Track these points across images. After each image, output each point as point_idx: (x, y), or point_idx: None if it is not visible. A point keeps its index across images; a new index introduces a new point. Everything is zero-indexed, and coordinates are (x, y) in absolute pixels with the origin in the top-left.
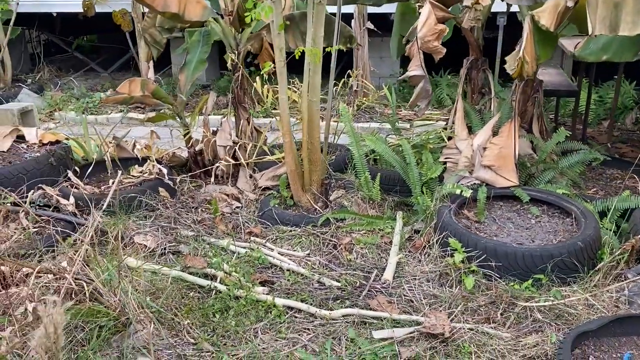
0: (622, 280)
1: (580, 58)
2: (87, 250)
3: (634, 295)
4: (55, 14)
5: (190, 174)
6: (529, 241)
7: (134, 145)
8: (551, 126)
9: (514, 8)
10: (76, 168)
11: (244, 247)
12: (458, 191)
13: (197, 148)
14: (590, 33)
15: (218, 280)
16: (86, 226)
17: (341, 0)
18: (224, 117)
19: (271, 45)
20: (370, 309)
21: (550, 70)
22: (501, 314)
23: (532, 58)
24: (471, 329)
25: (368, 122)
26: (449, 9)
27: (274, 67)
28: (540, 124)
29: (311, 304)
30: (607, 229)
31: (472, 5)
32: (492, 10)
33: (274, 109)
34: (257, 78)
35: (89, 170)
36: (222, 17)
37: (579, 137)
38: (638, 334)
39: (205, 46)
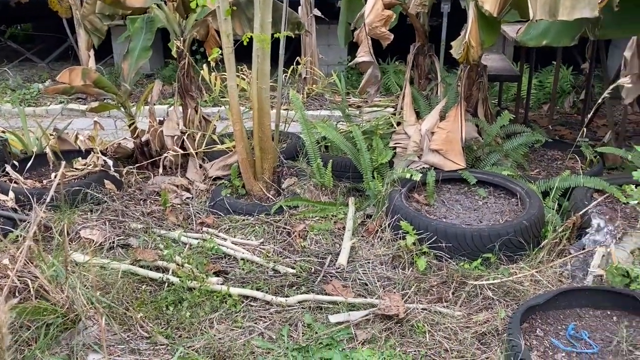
0: (565, 256)
1: (521, 43)
2: (30, 246)
3: (576, 270)
4: None
5: (137, 165)
6: (477, 222)
7: (77, 137)
8: (495, 110)
9: None
10: (15, 162)
11: (196, 238)
12: (408, 175)
13: (143, 138)
14: (531, 18)
15: (170, 272)
16: (28, 222)
17: None
18: (171, 106)
19: (218, 32)
20: (326, 294)
21: (493, 55)
22: (453, 293)
23: (477, 43)
24: (424, 309)
25: (318, 109)
26: None
27: (221, 54)
28: (485, 108)
29: (267, 292)
30: (550, 207)
31: None
32: None
33: (223, 97)
34: (204, 66)
35: (29, 164)
36: (166, 4)
37: (521, 121)
38: (580, 306)
39: (148, 33)
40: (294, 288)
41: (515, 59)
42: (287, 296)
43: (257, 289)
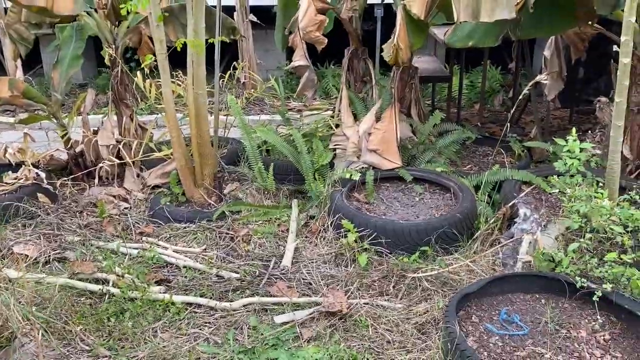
0: (497, 245)
1: (449, 45)
2: None
3: (507, 258)
4: None
5: (71, 176)
6: (414, 217)
7: (5, 150)
8: (428, 110)
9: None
10: None
11: (136, 248)
12: (348, 175)
13: (77, 149)
14: (455, 20)
15: (110, 283)
16: None
17: None
18: (106, 115)
19: (151, 39)
20: (271, 296)
21: (425, 58)
22: (393, 287)
23: (406, 45)
24: (367, 304)
25: (258, 114)
26: (328, 1)
27: (155, 61)
28: (418, 108)
29: (211, 298)
30: (481, 201)
31: None
32: (371, 2)
33: (159, 104)
34: (138, 73)
35: None
36: (96, 11)
37: (454, 120)
38: (512, 292)
39: (79, 41)
40: (238, 292)
41: (447, 61)
42: (231, 300)
43: (201, 296)
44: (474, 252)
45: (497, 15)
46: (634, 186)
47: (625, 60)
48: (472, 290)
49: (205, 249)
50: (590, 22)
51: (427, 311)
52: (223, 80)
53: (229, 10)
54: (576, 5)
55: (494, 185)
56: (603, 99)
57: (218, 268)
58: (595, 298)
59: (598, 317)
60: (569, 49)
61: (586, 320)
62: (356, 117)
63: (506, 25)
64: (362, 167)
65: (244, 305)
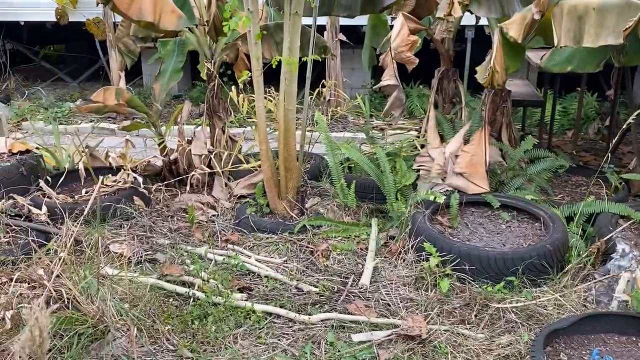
0: (589, 281)
1: (546, 69)
2: (63, 258)
3: (601, 295)
4: (22, 23)
5: (165, 182)
6: (501, 245)
7: (107, 155)
8: (519, 135)
9: (482, 21)
10: (48, 177)
11: (222, 255)
12: (431, 198)
13: (171, 157)
14: (555, 44)
15: (196, 287)
16: (60, 235)
17: (317, 11)
18: (198, 126)
19: (247, 55)
20: (349, 313)
21: (517, 81)
22: (475, 316)
23: (502, 68)
24: (447, 330)
25: (342, 131)
26: (421, 21)
27: (250, 77)
28: (509, 133)
29: (290, 309)
30: (573, 232)
31: (444, 17)
32: (463, 23)
33: (249, 118)
34: (233, 87)
35: (61, 180)
36: (197, 27)
37: (545, 146)
38: (605, 331)
39: (180, 56)
40: (316, 306)
41: (539, 85)
42: (310, 314)
43: (281, 306)
44: (563, 286)
45: (602, 40)
46: None
47: None
48: (562, 325)
49: (286, 261)
50: None
51: (511, 344)
52: (311, 97)
53: (319, 29)
54: None
55: (587, 217)
56: None
57: (298, 280)
58: None
59: None
60: None
61: None
62: (443, 139)
63: (609, 51)
64: (447, 190)
65: (322, 320)
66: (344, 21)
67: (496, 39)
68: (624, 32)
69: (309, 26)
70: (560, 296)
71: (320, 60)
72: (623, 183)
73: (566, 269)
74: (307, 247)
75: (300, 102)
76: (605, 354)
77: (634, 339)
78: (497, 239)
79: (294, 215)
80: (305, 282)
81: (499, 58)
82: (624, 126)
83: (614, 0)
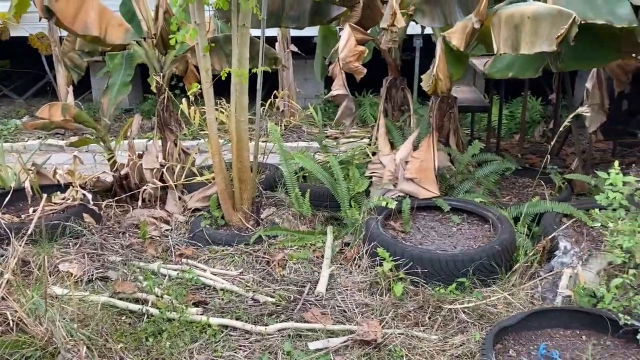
0: (536, 279)
1: (489, 75)
2: (8, 280)
3: (546, 291)
4: None
5: (115, 198)
6: (452, 248)
7: (55, 172)
8: (467, 140)
9: (429, 31)
10: None
11: (176, 270)
12: (384, 203)
13: (122, 172)
14: (495, 52)
15: (150, 303)
16: (6, 256)
17: (265, 23)
18: (150, 140)
19: (196, 67)
20: (305, 322)
21: (464, 88)
22: (429, 318)
23: (445, 76)
24: (402, 334)
25: (296, 141)
26: (368, 32)
27: (201, 89)
28: (456, 138)
29: (246, 321)
30: (521, 232)
31: (388, 27)
32: (410, 33)
33: (202, 130)
34: (184, 100)
35: (7, 199)
36: (145, 40)
37: (493, 150)
38: (551, 326)
39: (128, 69)
40: (273, 316)
41: (486, 91)
42: (266, 325)
43: (237, 318)
44: (512, 285)
45: (537, 47)
46: None
47: None
48: (510, 323)
49: (241, 272)
50: (634, 54)
51: (463, 344)
52: (263, 108)
53: (271, 40)
54: (619, 38)
55: (533, 217)
56: None
57: (254, 291)
58: (639, 336)
59: None
60: (612, 81)
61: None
62: (393, 146)
63: (546, 57)
64: (399, 196)
65: (278, 330)
66: (295, 32)
67: (439, 48)
68: (556, 39)
69: (259, 38)
70: (509, 295)
71: (271, 71)
72: (566, 183)
73: (514, 268)
74: (263, 257)
75: (253, 114)
76: (552, 348)
77: (578, 332)
78: (449, 242)
79: (250, 227)
80: (261, 292)
81: (442, 66)
82: (561, 128)
83: (547, 9)
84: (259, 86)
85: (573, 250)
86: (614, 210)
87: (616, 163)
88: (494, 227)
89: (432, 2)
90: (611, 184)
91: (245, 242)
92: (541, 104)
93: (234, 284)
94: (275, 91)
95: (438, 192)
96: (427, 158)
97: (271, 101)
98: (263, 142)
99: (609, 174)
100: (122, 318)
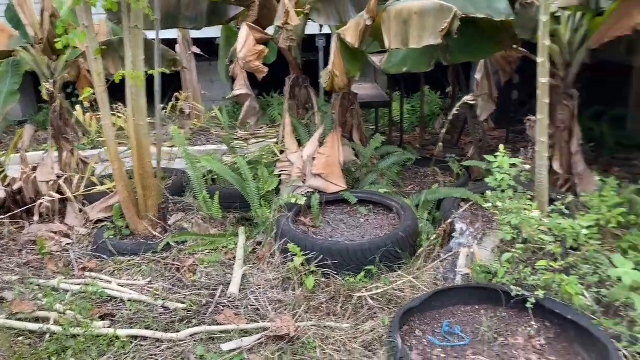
0: (438, 260)
1: (385, 71)
2: None
3: (447, 272)
4: None
5: (9, 214)
6: (360, 238)
7: None
8: (371, 134)
9: (326, 29)
10: None
11: (79, 284)
12: (293, 200)
13: (15, 187)
14: (387, 47)
15: (51, 321)
16: None
17: (159, 24)
18: (46, 151)
19: (89, 72)
20: (218, 324)
21: (366, 84)
22: (341, 307)
23: (342, 72)
24: (315, 326)
25: (205, 144)
26: (267, 31)
27: (94, 94)
28: (359, 133)
29: (157, 330)
30: (423, 218)
31: (282, 25)
32: (312, 33)
33: (101, 138)
34: (77, 107)
35: None
36: (33, 46)
37: (397, 143)
38: (453, 304)
39: (15, 77)
40: (184, 322)
41: (389, 87)
42: (177, 331)
43: (147, 328)
44: (417, 268)
45: (425, 41)
46: (563, 198)
47: (543, 80)
48: (414, 305)
49: (150, 281)
50: (515, 46)
51: (374, 329)
52: (166, 112)
53: (171, 42)
54: (500, 31)
55: (434, 203)
56: (532, 118)
57: (164, 299)
58: (529, 305)
59: (533, 323)
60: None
61: (523, 327)
62: (300, 143)
63: (437, 51)
64: (308, 192)
65: (190, 335)
66: (197, 34)
67: (334, 45)
68: (440, 32)
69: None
70: (414, 278)
71: (170, 73)
72: (464, 170)
73: (418, 252)
74: (172, 264)
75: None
76: (454, 324)
77: (477, 307)
78: (357, 233)
79: (157, 234)
80: (171, 300)
81: (337, 63)
82: (449, 117)
83: (432, 5)
84: (157, 88)
85: (469, 231)
86: (503, 191)
87: (501, 147)
88: (399, 216)
89: (327, 1)
90: (499, 167)
91: (153, 250)
92: (440, 97)
93: (142, 294)
94: (177, 94)
95: (345, 185)
96: (332, 154)
97: (172, 104)
98: (170, 147)
99: (496, 157)
100: (21, 339)
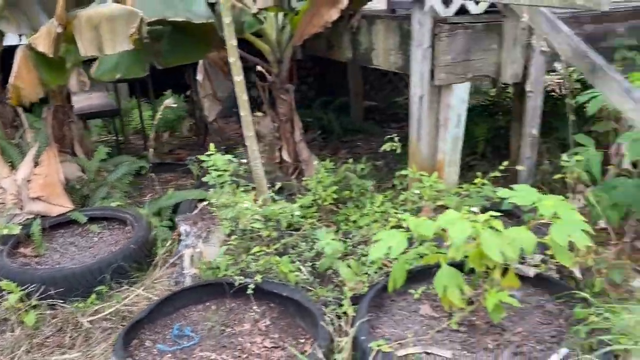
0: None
1: (97, 78)
2: None
3: (178, 276)
4: None
5: None
6: (92, 258)
7: None
8: (94, 147)
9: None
10: None
11: None
12: (6, 231)
13: None
14: (82, 55)
15: None
16: None
17: None
18: None
19: None
20: None
21: (96, 94)
22: (69, 337)
23: (31, 84)
24: None
25: None
26: None
27: None
28: (83, 146)
29: None
30: (162, 226)
31: None
32: (13, 44)
33: None
34: None
35: None
36: None
37: (142, 151)
38: (184, 306)
39: None
40: None
41: (131, 94)
42: None
43: None
44: (155, 278)
45: (119, 47)
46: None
47: (237, 78)
48: (142, 316)
49: None
50: (224, 47)
51: (105, 351)
52: None
53: None
54: (207, 33)
55: (174, 208)
56: (258, 113)
57: None
58: (249, 291)
59: (255, 307)
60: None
61: (249, 314)
62: (13, 166)
63: (150, 55)
64: (27, 219)
65: None
66: None
67: (20, 54)
68: (130, 37)
69: None
70: (145, 289)
71: None
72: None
73: (155, 260)
74: None
75: None
76: (185, 325)
77: (208, 304)
78: (89, 253)
79: None
80: None
81: (25, 74)
82: (156, 119)
83: (120, 10)
84: None
85: (192, 231)
86: (222, 186)
87: (212, 146)
88: (133, 227)
89: (14, 8)
90: (213, 165)
91: None
92: (184, 100)
93: None
94: None
95: (71, 205)
96: (50, 172)
97: None
98: None
99: (209, 156)
100: None
